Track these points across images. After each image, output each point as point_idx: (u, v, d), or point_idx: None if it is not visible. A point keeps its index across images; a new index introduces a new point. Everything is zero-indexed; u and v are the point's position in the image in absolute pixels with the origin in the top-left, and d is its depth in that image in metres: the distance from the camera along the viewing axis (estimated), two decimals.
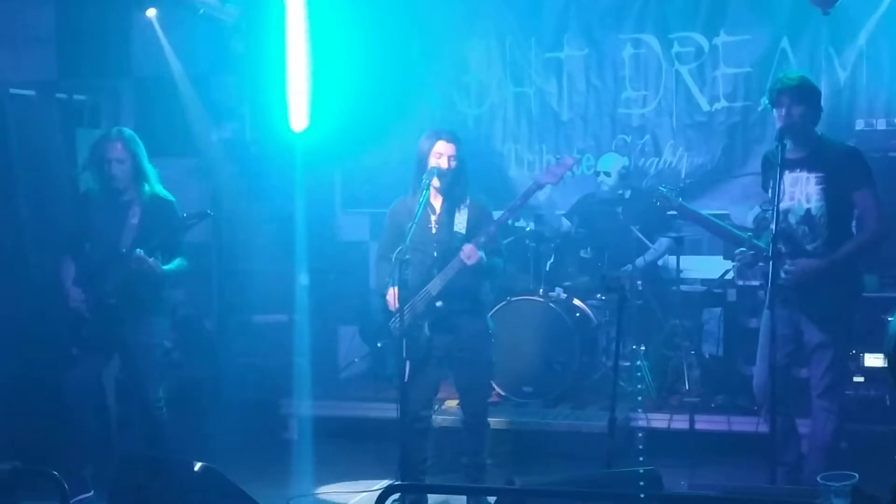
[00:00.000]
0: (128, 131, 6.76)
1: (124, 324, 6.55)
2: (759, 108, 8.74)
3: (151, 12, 8.50)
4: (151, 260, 6.30)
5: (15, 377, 7.22)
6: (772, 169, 5.96)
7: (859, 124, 7.99)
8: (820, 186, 5.92)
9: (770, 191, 5.87)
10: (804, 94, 5.93)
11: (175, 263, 6.55)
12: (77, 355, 6.59)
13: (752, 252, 6.05)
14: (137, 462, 5.60)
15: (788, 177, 5.97)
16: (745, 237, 6.09)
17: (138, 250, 6.32)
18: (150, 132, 9.38)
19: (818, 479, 4.31)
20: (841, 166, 5.94)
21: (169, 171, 9.14)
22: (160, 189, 6.71)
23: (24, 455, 5.27)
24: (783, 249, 5.90)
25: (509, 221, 8.37)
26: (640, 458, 6.16)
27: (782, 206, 5.95)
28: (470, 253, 6.09)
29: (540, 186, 6.44)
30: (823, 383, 6.09)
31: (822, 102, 6.13)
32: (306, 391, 8.19)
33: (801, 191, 5.98)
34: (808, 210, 5.96)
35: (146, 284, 6.49)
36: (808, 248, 5.97)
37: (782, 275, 5.89)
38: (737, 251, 6.17)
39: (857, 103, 8.36)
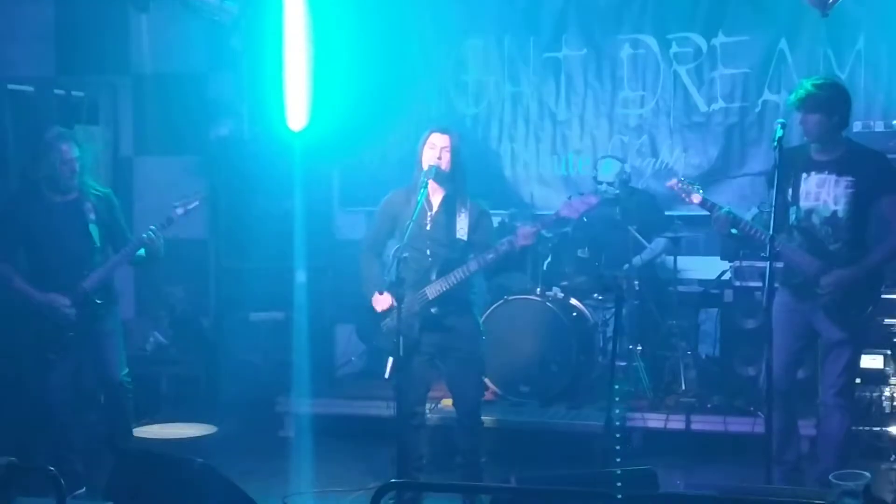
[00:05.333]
0: (69, 131, 6.74)
1: (103, 318, 6.58)
2: (756, 111, 8.80)
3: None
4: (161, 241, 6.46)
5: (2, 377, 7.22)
6: (790, 168, 5.98)
7: (857, 126, 7.97)
8: (851, 191, 5.93)
9: (776, 188, 5.82)
10: (818, 103, 5.93)
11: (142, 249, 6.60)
12: (55, 359, 6.50)
13: (730, 215, 6.03)
14: (135, 459, 5.60)
15: (815, 178, 6.01)
16: (762, 231, 6.00)
17: (151, 227, 6.44)
18: (148, 129, 9.46)
19: (830, 477, 4.31)
20: (870, 171, 5.97)
21: (166, 169, 9.22)
22: (98, 183, 6.77)
23: (18, 452, 5.27)
24: (805, 246, 5.97)
25: (506, 220, 8.42)
26: (617, 460, 6.10)
27: (806, 205, 6.01)
28: (528, 234, 6.07)
29: (559, 219, 6.37)
30: (840, 381, 6.10)
31: None
32: (303, 389, 8.18)
33: (829, 192, 5.99)
34: (835, 212, 5.97)
35: (112, 275, 6.60)
36: (831, 248, 5.99)
37: (818, 290, 5.94)
38: (713, 215, 6.11)
39: (855, 105, 8.30)
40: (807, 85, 5.99)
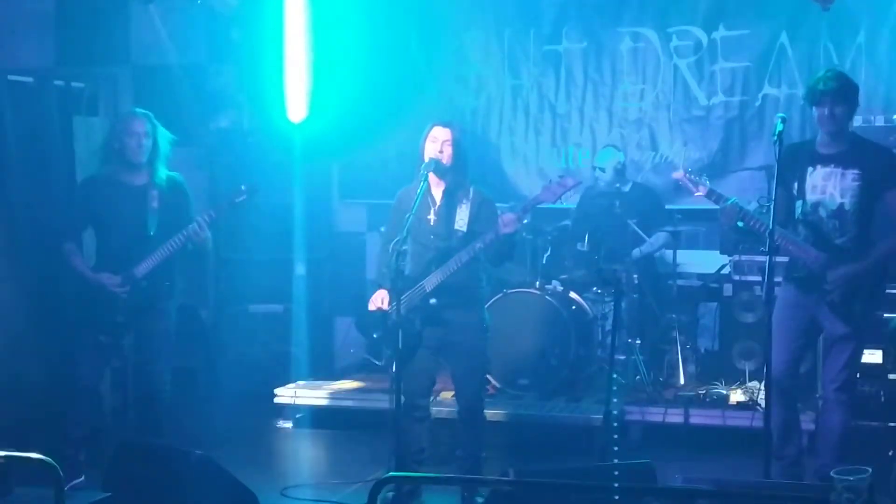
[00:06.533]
0: (150, 113, 6.76)
1: (150, 309, 6.57)
2: (756, 104, 8.79)
3: None
4: (208, 233, 6.51)
5: (8, 366, 7.20)
6: (794, 163, 5.98)
7: (857, 120, 7.93)
8: (857, 184, 5.95)
9: (776, 182, 5.81)
10: (846, 94, 5.95)
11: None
12: (107, 342, 6.54)
13: (737, 207, 6.03)
14: (133, 450, 5.61)
15: (821, 171, 6.02)
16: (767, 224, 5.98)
17: (198, 219, 6.48)
18: None
19: (832, 473, 4.31)
20: (876, 165, 5.99)
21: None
22: (171, 172, 6.73)
23: (17, 441, 5.27)
24: (811, 240, 5.99)
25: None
26: (615, 450, 6.12)
27: (812, 198, 6.02)
28: (510, 221, 6.05)
29: (537, 203, 6.33)
30: (842, 376, 6.11)
31: None
32: (302, 381, 8.19)
33: (835, 186, 6.00)
34: (842, 205, 5.98)
35: (169, 268, 6.58)
36: (837, 241, 6.00)
37: (825, 287, 5.94)
38: (720, 206, 6.10)
39: None
40: (834, 76, 5.97)
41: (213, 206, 6.66)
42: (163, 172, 6.61)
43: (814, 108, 5.99)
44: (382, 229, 7.12)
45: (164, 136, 6.66)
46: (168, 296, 6.67)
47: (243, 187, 6.69)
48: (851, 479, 3.99)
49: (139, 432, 6.71)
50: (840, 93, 5.93)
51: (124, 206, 6.53)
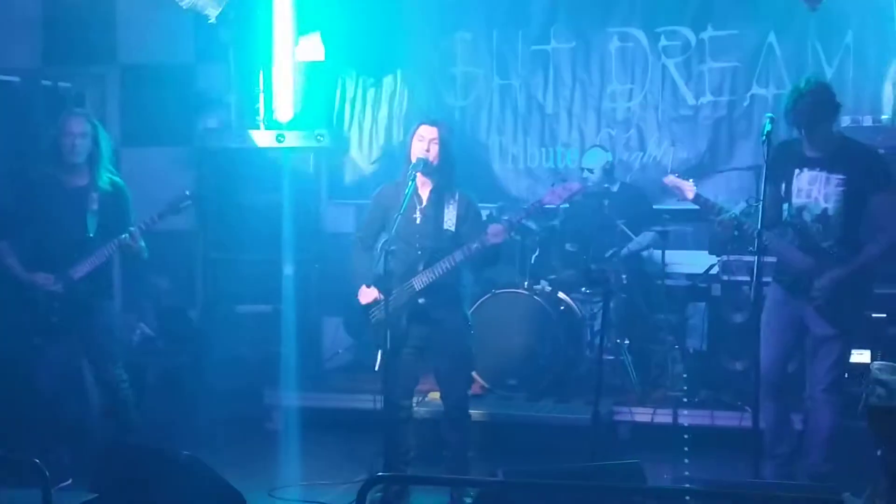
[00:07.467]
0: (89, 113, 6.77)
1: (90, 308, 6.57)
2: (745, 104, 8.80)
3: None
4: (141, 243, 6.50)
5: None
6: (783, 163, 5.99)
7: (845, 121, 7.95)
8: (841, 189, 5.96)
9: (765, 183, 5.83)
10: (821, 109, 5.97)
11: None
12: (41, 344, 6.53)
13: (734, 219, 6.07)
14: (120, 451, 5.59)
15: (807, 174, 6.03)
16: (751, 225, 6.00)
17: (132, 229, 6.48)
18: (135, 121, 9.42)
19: (871, 366, 4.23)
20: (861, 169, 5.99)
21: (155, 160, 9.19)
22: (114, 175, 6.73)
23: (2, 442, 5.25)
24: (797, 243, 6.01)
25: (494, 213, 8.40)
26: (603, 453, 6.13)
27: (798, 202, 6.04)
28: (497, 232, 6.08)
29: (541, 206, 6.37)
30: (830, 377, 6.13)
31: None
32: (290, 382, 8.17)
33: (820, 190, 6.02)
34: (826, 210, 6.00)
35: (107, 269, 6.63)
36: (823, 245, 6.01)
37: (813, 293, 5.96)
38: (718, 218, 6.14)
39: (843, 99, 8.27)
40: (808, 86, 5.98)
41: (157, 212, 6.61)
42: (105, 175, 6.60)
43: (792, 116, 6.02)
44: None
45: (106, 137, 6.66)
46: (107, 295, 6.70)
47: (188, 192, 6.73)
48: (885, 375, 3.70)
49: (107, 430, 6.72)
50: (814, 109, 5.93)
51: (62, 206, 6.52)
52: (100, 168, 6.59)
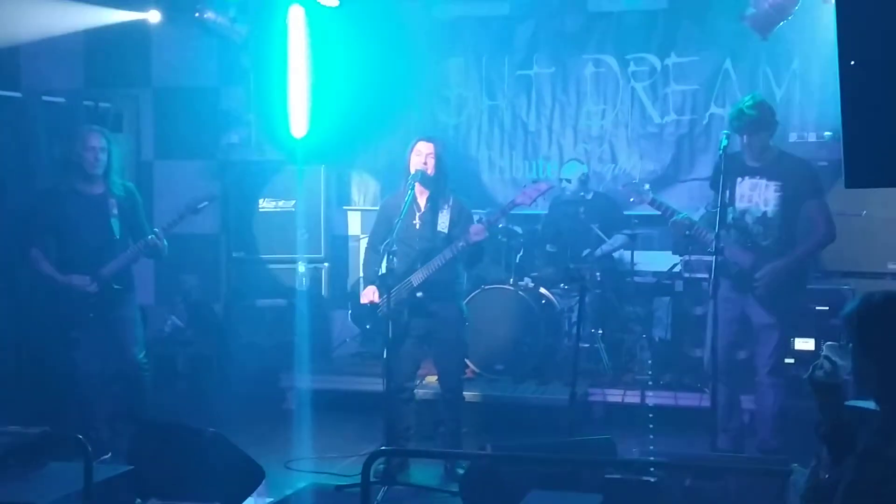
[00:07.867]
0: (105, 129, 6.74)
1: (118, 301, 6.55)
2: (704, 122, 8.82)
3: (155, 16, 8.55)
4: (164, 242, 6.47)
5: (31, 358, 7.19)
6: (727, 172, 6.05)
7: (792, 137, 8.04)
8: (778, 194, 6.04)
9: (720, 191, 5.93)
10: (763, 122, 6.05)
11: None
12: (79, 336, 6.51)
13: (686, 220, 6.17)
14: (153, 428, 5.61)
15: (748, 182, 6.11)
16: (710, 231, 6.03)
17: (156, 230, 6.46)
18: (167, 136, 9.45)
19: (823, 345, 4.25)
20: (797, 177, 6.06)
21: (184, 171, 9.22)
22: (125, 180, 6.73)
23: (49, 422, 5.26)
24: (740, 242, 6.07)
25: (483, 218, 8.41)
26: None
27: (741, 206, 6.12)
28: (478, 230, 6.10)
29: (514, 205, 6.37)
30: (771, 362, 6.19)
31: None
32: (303, 367, 8.16)
33: (760, 195, 6.09)
34: (765, 213, 6.07)
35: (128, 266, 6.58)
36: (763, 244, 6.08)
37: (753, 283, 6.04)
38: (672, 219, 6.22)
39: (791, 118, 8.36)
40: (751, 106, 6.04)
41: (178, 213, 6.57)
42: (117, 182, 6.59)
43: (737, 135, 6.11)
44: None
45: (117, 149, 6.65)
46: (129, 287, 6.65)
47: (204, 196, 6.69)
48: (833, 356, 3.28)
49: (125, 407, 6.70)
50: (756, 122, 6.03)
51: (88, 214, 6.47)
52: (114, 176, 6.56)
